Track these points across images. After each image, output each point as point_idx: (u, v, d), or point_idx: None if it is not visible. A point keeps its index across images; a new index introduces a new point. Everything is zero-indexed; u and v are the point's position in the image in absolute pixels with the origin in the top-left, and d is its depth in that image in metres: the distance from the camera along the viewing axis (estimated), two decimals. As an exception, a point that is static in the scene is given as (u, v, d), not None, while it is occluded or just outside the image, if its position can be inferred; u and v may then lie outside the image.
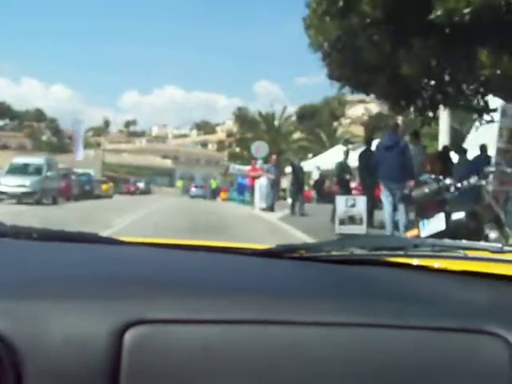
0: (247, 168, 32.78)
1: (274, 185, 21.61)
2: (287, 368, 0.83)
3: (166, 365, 0.81)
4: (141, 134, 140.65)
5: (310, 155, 49.74)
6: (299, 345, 0.84)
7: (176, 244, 1.50)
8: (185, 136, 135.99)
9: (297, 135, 64.19)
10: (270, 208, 20.81)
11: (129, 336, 0.81)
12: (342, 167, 14.39)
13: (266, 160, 25.02)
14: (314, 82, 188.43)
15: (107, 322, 0.82)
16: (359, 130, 64.02)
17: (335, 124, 72.58)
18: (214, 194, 47.36)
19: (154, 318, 0.84)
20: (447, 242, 1.35)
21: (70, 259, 1.18)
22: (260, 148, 26.66)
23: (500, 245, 1.21)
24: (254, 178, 24.02)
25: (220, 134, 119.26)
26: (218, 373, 0.82)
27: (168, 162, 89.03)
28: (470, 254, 1.24)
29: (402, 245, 1.35)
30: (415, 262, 1.26)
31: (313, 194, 36.11)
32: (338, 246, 1.42)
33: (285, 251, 1.37)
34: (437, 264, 1.24)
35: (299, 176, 19.25)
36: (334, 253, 1.34)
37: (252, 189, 24.36)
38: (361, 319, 0.89)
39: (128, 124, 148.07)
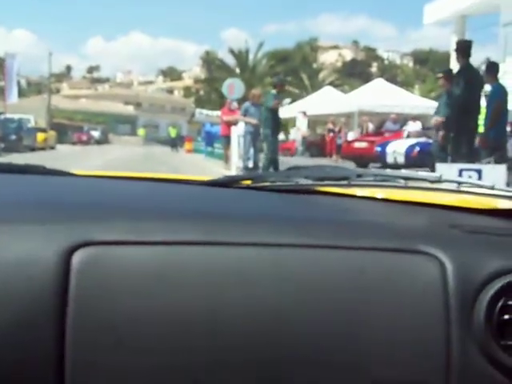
0: (217, 113, 26.56)
1: (256, 134, 15.03)
2: (228, 286, 0.87)
3: (114, 285, 0.84)
4: (105, 81, 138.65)
5: (289, 100, 44.80)
6: (240, 264, 0.88)
7: (127, 176, 1.53)
8: (150, 83, 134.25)
9: (269, 79, 58.06)
10: (254, 169, 14.43)
11: (76, 257, 0.84)
12: None
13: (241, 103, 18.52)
14: (283, 29, 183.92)
15: (54, 245, 0.84)
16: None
17: (315, 66, 67.13)
18: (174, 143, 41.19)
19: (103, 239, 0.86)
20: (389, 171, 1.40)
21: (16, 188, 1.19)
22: (233, 86, 19.12)
23: (438, 174, 1.29)
24: (228, 125, 17.28)
25: (187, 81, 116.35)
26: (167, 292, 0.85)
27: (130, 109, 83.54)
28: (411, 183, 1.30)
29: (345, 175, 1.36)
30: (357, 191, 1.32)
31: (296, 144, 30.88)
32: (283, 176, 1.45)
33: (231, 181, 1.42)
34: (379, 194, 1.30)
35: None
36: (279, 183, 1.36)
37: (226, 139, 17.70)
38: (299, 240, 0.92)
39: (91, 70, 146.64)
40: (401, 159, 16.94)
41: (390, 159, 17.26)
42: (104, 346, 0.82)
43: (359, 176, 1.36)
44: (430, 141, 16.59)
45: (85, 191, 1.19)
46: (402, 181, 1.29)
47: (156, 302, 0.84)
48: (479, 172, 6.34)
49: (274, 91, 12.86)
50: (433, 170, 6.65)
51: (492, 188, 1.25)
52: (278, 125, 13.12)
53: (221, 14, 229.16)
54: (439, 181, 1.29)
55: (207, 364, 0.84)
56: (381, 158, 17.62)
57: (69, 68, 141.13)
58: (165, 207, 1.06)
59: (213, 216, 0.99)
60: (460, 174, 6.29)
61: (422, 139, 17.23)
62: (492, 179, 6.26)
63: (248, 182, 1.39)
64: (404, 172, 1.35)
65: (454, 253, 0.94)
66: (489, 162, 7.67)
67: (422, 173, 1.39)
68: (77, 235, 0.85)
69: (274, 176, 1.47)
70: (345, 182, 1.31)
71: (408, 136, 19.22)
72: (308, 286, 0.88)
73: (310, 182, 1.35)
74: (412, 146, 16.90)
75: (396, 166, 16.47)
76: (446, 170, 6.55)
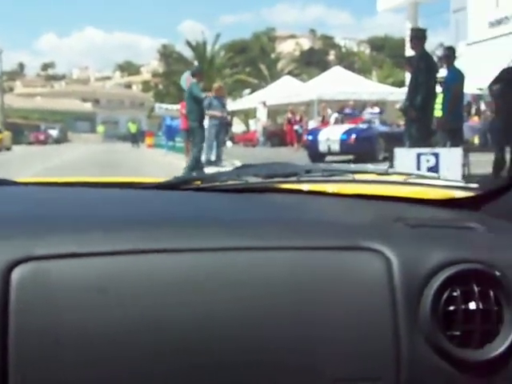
0: (177, 107, 26.38)
1: (222, 126, 15.04)
2: (173, 295, 0.86)
3: (56, 299, 0.83)
4: (61, 78, 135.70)
5: (248, 91, 44.75)
6: (186, 272, 0.88)
7: (71, 182, 1.51)
8: (108, 78, 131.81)
9: (228, 71, 57.75)
10: (216, 162, 14.40)
11: (16, 273, 0.83)
12: None
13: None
14: (240, 20, 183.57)
15: None
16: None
17: (273, 56, 67.06)
18: (135, 139, 40.62)
19: (43, 253, 0.85)
20: (337, 166, 1.43)
21: None
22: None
23: (386, 167, 1.35)
24: (189, 119, 17.14)
25: (145, 75, 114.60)
26: (109, 303, 0.84)
27: (88, 106, 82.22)
28: (359, 176, 1.31)
29: (294, 171, 1.37)
30: (306, 187, 1.32)
31: (257, 135, 30.87)
32: (233, 175, 1.44)
33: (181, 183, 1.42)
34: (330, 188, 1.30)
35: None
36: (229, 182, 1.36)
37: (186, 132, 17.58)
38: (245, 243, 0.92)
39: (46, 67, 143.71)
40: (335, 147, 16.06)
41: (323, 147, 16.30)
42: (47, 360, 0.80)
43: (308, 172, 1.36)
44: (365, 126, 16.32)
45: (26, 202, 1.17)
46: (351, 175, 1.30)
47: (98, 313, 0.83)
48: (436, 156, 6.42)
49: (194, 80, 12.42)
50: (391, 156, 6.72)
51: (438, 178, 1.27)
52: (203, 116, 12.64)
53: (176, 6, 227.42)
54: (387, 173, 1.31)
55: (152, 373, 0.83)
56: (312, 147, 16.65)
57: (21, 65, 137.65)
58: (109, 215, 1.05)
59: (158, 222, 0.98)
60: (418, 158, 6.38)
61: (356, 125, 16.75)
62: (449, 162, 6.37)
63: (198, 183, 1.36)
64: (352, 166, 1.37)
65: (399, 247, 0.95)
66: (445, 146, 7.77)
67: (370, 166, 1.41)
68: (16, 251, 0.84)
69: (225, 175, 1.47)
70: (294, 179, 1.32)
71: (336, 122, 18.63)
72: (255, 290, 0.88)
73: (259, 180, 1.35)
74: (348, 133, 16.05)
75: (330, 154, 16.07)
76: (405, 155, 6.63)
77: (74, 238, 0.88)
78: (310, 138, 16.93)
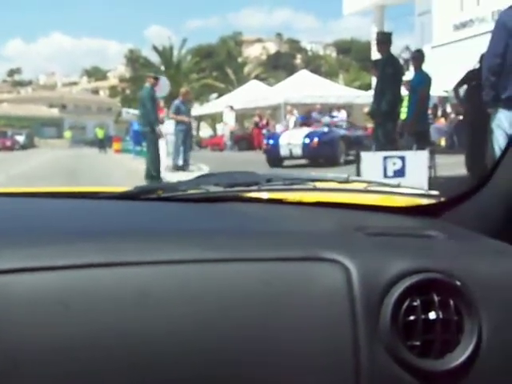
0: (144, 112, 26.23)
1: (188, 132, 15.03)
2: (130, 310, 0.84)
3: (14, 315, 0.80)
4: (27, 84, 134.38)
5: (215, 95, 44.77)
6: (143, 285, 0.86)
7: (31, 192, 1.48)
8: (75, 84, 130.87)
9: (194, 75, 57.68)
10: (184, 166, 14.37)
11: None
12: None
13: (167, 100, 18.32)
14: (206, 24, 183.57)
15: None
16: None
17: (240, 60, 67.16)
18: (102, 144, 40.50)
19: (2, 268, 0.83)
20: (298, 174, 1.45)
21: None
22: (159, 84, 19.51)
23: (346, 175, 1.31)
24: (156, 123, 17.04)
25: (112, 80, 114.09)
26: (69, 319, 0.82)
27: (55, 111, 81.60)
28: (319, 185, 1.32)
29: (255, 180, 1.37)
30: (267, 196, 1.32)
31: (224, 139, 30.92)
32: (194, 184, 1.44)
33: (141, 192, 1.40)
34: (291, 197, 1.30)
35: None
36: (190, 191, 1.36)
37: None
38: (202, 255, 0.91)
39: (12, 73, 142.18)
40: (297, 151, 15.62)
41: (284, 152, 15.82)
42: (5, 379, 0.78)
43: (269, 180, 1.35)
44: (326, 130, 16.11)
45: None
46: (311, 183, 1.30)
47: (59, 330, 0.81)
48: (403, 159, 6.48)
49: (147, 84, 12.31)
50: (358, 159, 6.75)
51: (398, 186, 1.27)
52: (156, 121, 12.26)
53: (142, 11, 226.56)
54: (348, 181, 1.31)
55: None
56: (273, 151, 16.11)
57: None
58: (68, 227, 1.03)
59: (117, 234, 0.97)
60: (384, 162, 6.43)
61: (317, 128, 16.50)
62: (415, 165, 6.43)
63: (159, 192, 1.36)
64: (313, 174, 1.37)
65: (359, 257, 0.94)
66: (411, 148, 7.82)
67: (331, 174, 1.41)
68: None
69: (186, 184, 1.45)
70: (255, 188, 1.32)
71: (295, 125, 17.98)
72: (212, 304, 0.87)
73: (220, 189, 1.35)
74: (310, 136, 15.64)
75: (293, 159, 15.65)
76: (371, 158, 6.67)
77: (34, 252, 0.87)
78: (271, 142, 16.42)
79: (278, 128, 24.68)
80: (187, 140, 14.68)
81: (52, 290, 0.83)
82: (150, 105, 11.90)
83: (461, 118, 12.83)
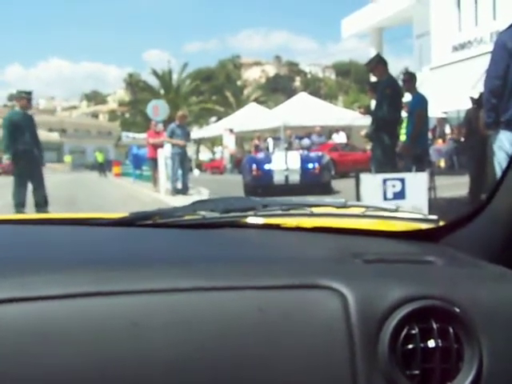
0: (144, 136, 26.32)
1: (185, 155, 15.04)
2: (119, 339, 0.83)
3: (2, 346, 0.80)
4: None
5: (214, 118, 44.98)
6: (133, 314, 0.84)
7: (26, 219, 1.48)
8: (74, 108, 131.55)
9: (194, 99, 57.97)
10: (183, 190, 14.35)
11: None
12: None
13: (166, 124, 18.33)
14: (205, 47, 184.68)
15: None
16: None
17: (239, 83, 67.53)
18: (102, 168, 40.59)
19: None
20: (295, 199, 1.41)
21: None
22: (158, 108, 18.75)
23: (343, 200, 1.30)
24: (155, 148, 17.07)
25: (112, 104, 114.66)
26: (51, 349, 0.81)
27: (55, 136, 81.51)
28: (317, 210, 1.32)
29: (251, 205, 1.37)
30: (263, 221, 1.31)
31: (224, 162, 31.03)
32: (190, 210, 1.43)
33: (137, 219, 1.39)
34: (288, 223, 1.28)
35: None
36: (186, 217, 1.35)
37: (153, 161, 17.47)
38: (195, 283, 0.90)
39: (12, 97, 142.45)
40: (295, 178, 13.62)
41: (278, 178, 13.64)
42: None
43: (265, 206, 1.35)
44: (320, 153, 15.21)
45: None
46: (308, 208, 1.29)
47: (48, 360, 0.80)
48: (402, 181, 6.47)
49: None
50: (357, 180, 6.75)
51: (396, 211, 1.25)
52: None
53: (141, 35, 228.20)
54: (345, 206, 1.30)
55: None
56: (264, 179, 13.64)
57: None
58: (56, 256, 1.02)
59: (106, 263, 0.96)
60: (384, 184, 6.42)
61: (310, 153, 15.20)
62: (415, 187, 6.42)
63: (155, 218, 1.36)
64: (310, 199, 1.36)
65: (356, 285, 0.92)
66: (411, 170, 7.83)
67: (328, 199, 1.40)
68: None
69: (181, 210, 1.44)
70: (251, 213, 1.31)
71: (287, 149, 15.45)
72: (205, 333, 0.85)
73: (216, 215, 1.33)
74: (311, 161, 14.03)
75: (287, 188, 13.17)
76: (370, 180, 6.66)
77: (19, 282, 0.86)
78: (267, 168, 13.95)
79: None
80: (184, 163, 14.67)
81: (34, 321, 0.82)
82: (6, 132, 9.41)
83: (462, 139, 12.82)
